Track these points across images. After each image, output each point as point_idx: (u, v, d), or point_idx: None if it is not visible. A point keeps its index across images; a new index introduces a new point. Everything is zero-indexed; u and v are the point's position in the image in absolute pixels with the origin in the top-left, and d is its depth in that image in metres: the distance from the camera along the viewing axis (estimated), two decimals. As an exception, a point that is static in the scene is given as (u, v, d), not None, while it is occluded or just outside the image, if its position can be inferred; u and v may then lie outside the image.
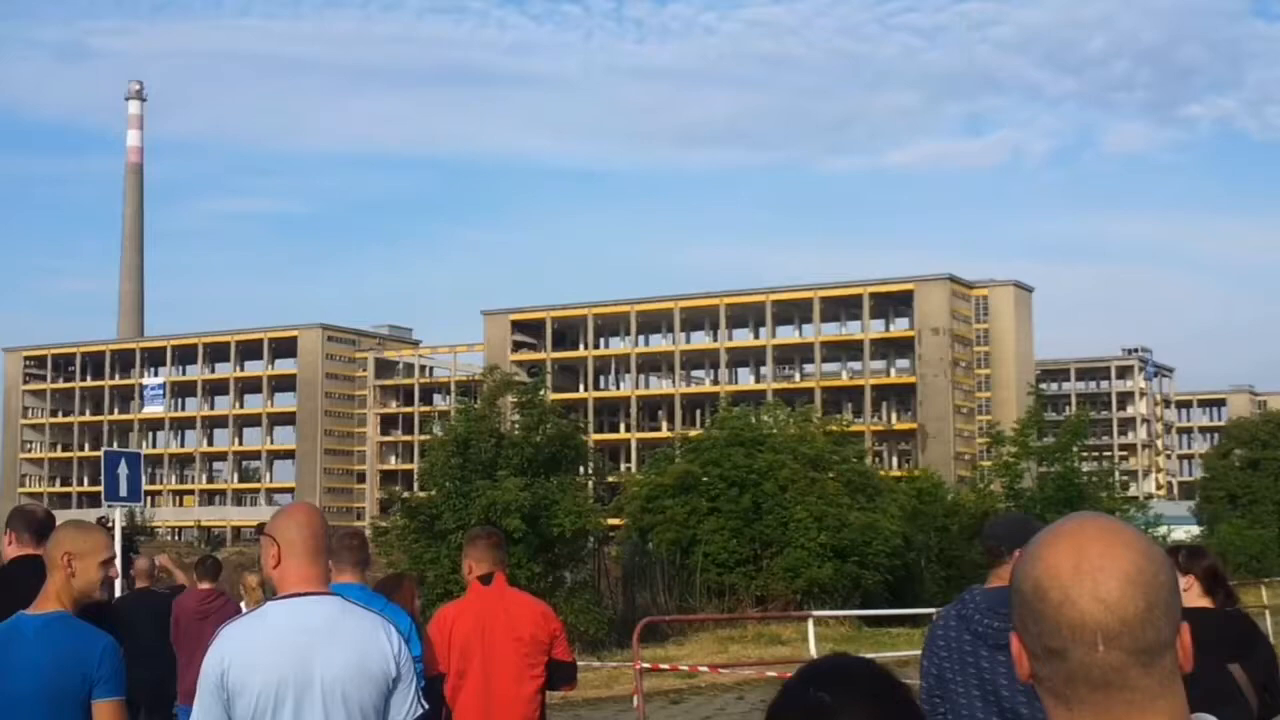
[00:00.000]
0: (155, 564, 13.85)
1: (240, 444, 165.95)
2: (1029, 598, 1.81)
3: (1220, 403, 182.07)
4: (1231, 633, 5.98)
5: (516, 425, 36.48)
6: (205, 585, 12.32)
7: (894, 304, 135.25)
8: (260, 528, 8.41)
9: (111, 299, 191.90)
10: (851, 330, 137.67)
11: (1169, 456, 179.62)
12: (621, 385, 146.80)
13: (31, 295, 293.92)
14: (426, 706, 5.05)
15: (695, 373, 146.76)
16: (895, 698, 2.20)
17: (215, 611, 11.97)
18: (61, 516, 6.80)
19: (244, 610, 12.40)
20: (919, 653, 5.86)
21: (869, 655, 2.36)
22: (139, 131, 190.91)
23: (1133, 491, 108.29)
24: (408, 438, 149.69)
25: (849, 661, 2.28)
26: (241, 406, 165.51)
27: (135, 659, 11.45)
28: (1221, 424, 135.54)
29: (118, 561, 17.37)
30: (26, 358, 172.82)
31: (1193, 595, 6.15)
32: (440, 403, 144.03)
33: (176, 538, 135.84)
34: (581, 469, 39.68)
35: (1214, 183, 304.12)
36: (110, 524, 18.38)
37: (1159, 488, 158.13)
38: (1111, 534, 1.82)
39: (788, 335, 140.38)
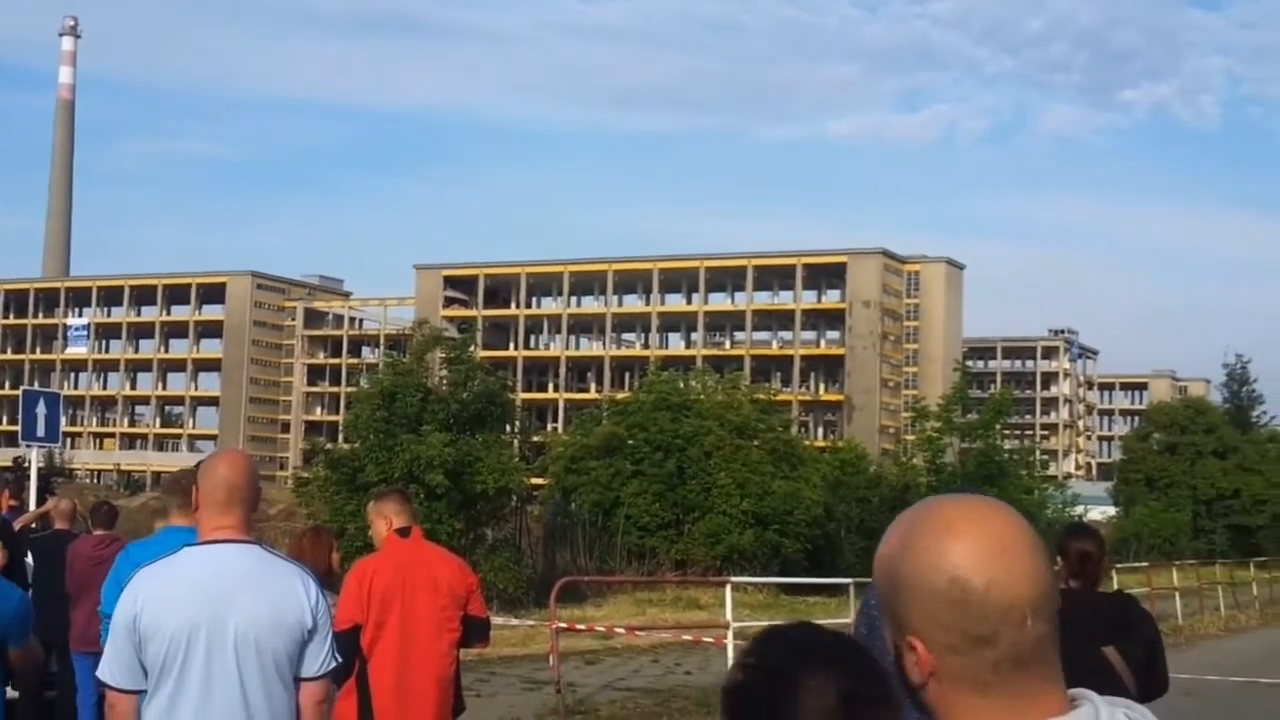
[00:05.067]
0: (77, 507, 13.68)
1: (164, 389, 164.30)
2: (944, 591, 1.77)
3: (1142, 386, 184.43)
4: (1106, 614, 6.01)
5: (444, 381, 36.32)
6: (100, 531, 12.17)
7: (826, 276, 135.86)
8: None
9: (37, 237, 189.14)
10: (783, 300, 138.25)
11: (1089, 437, 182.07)
12: (552, 345, 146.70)
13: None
14: (340, 660, 5.03)
15: (626, 336, 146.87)
16: (877, 668, 2.10)
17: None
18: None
19: None
20: (837, 621, 5.92)
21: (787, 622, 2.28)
22: (71, 68, 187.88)
23: (1052, 471, 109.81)
24: (335, 389, 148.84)
25: (832, 637, 2.14)
26: (166, 351, 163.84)
27: (51, 601, 11.34)
28: (1142, 408, 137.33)
29: (33, 501, 17.11)
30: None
31: (1061, 576, 6.18)
32: (369, 355, 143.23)
33: (96, 481, 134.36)
34: (508, 427, 39.55)
35: (1146, 168, 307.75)
36: (26, 464, 18.17)
37: (1078, 468, 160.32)
38: (997, 510, 1.84)
39: (720, 302, 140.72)
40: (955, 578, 1.77)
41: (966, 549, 1.78)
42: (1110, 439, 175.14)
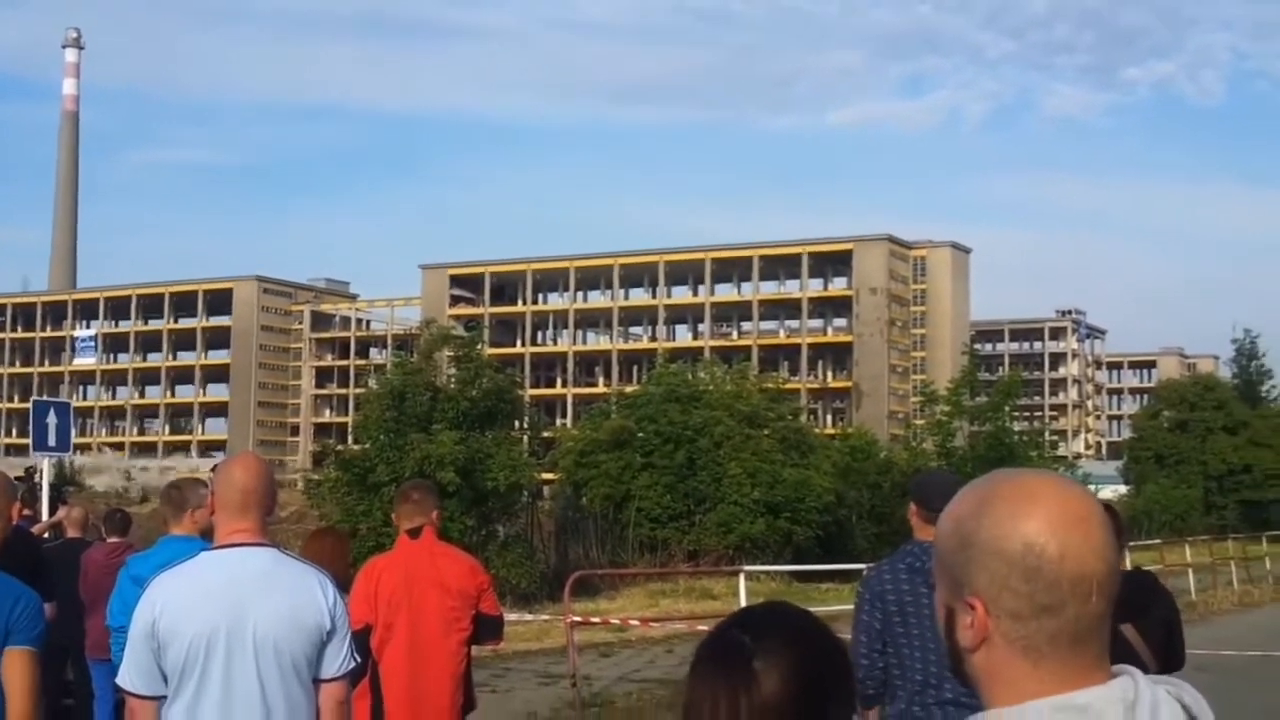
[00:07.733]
0: (89, 515, 13.73)
1: (173, 397, 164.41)
2: (1019, 556, 1.80)
3: (1150, 365, 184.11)
4: (1125, 592, 6.02)
5: (453, 379, 36.42)
6: (113, 539, 12.21)
7: (832, 263, 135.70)
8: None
9: (44, 250, 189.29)
10: (790, 289, 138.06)
11: (1099, 417, 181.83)
12: (559, 341, 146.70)
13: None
14: (359, 660, 5.07)
15: (633, 329, 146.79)
16: (819, 645, 2.22)
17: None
18: (-10, 467, 6.76)
19: None
20: (850, 607, 5.91)
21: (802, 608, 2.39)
22: (75, 80, 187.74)
23: (1062, 451, 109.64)
24: (343, 391, 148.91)
25: (778, 608, 2.29)
26: (175, 359, 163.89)
27: (65, 609, 11.40)
28: (1151, 386, 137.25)
29: (45, 511, 17.17)
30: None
31: None
32: (377, 356, 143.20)
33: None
34: (517, 423, 39.69)
35: (1151, 147, 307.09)
36: (38, 474, 18.24)
37: (1088, 447, 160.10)
38: (1074, 484, 1.88)
39: (726, 293, 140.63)
40: (1031, 544, 1.80)
41: (1047, 516, 1.81)
42: (1120, 418, 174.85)
